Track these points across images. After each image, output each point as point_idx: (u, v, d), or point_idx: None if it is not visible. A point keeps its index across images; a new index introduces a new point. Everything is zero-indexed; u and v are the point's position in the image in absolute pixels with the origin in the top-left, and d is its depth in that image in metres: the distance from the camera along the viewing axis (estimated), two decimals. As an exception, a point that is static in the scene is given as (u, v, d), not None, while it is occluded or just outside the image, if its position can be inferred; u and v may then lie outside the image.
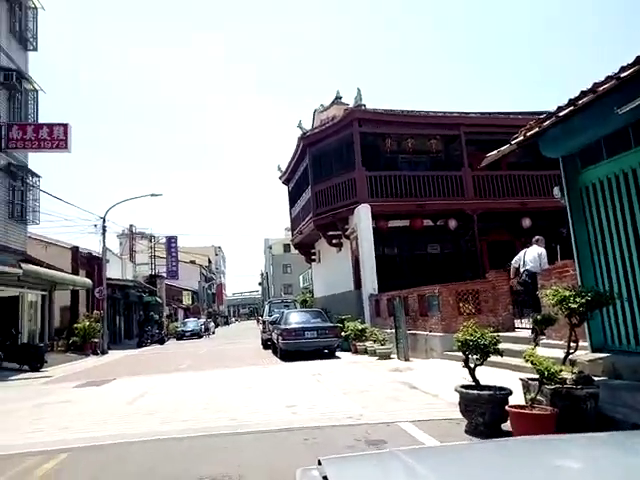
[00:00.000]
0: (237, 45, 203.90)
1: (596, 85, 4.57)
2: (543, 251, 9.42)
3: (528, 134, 5.82)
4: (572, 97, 4.91)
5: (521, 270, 9.22)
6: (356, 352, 14.14)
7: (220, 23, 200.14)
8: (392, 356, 12.21)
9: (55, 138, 15.78)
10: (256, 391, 8.23)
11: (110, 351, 21.81)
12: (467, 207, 17.09)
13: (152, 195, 25.73)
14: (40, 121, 16.95)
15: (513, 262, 9.65)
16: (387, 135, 17.64)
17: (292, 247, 71.95)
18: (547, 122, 5.45)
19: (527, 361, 5.01)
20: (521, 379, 5.33)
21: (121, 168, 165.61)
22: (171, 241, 43.94)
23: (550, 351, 6.39)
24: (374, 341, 13.29)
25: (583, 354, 6.10)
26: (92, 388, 10.19)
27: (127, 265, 33.75)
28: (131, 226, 37.41)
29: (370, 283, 15.76)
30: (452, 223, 17.39)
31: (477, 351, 5.39)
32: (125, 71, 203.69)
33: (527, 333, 9.15)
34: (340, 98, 19.62)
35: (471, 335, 5.43)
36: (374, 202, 16.40)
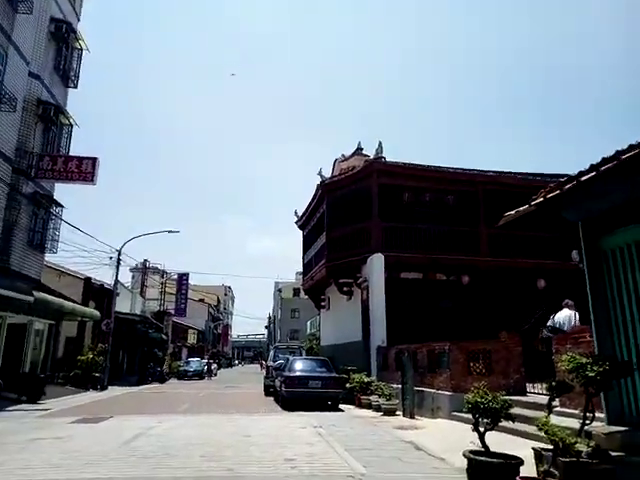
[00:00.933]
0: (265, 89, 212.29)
1: (619, 153, 4.60)
2: (574, 313, 9.21)
3: (548, 196, 5.81)
4: (594, 163, 4.94)
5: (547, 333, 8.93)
6: (360, 405, 13.70)
7: (252, 71, 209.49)
8: (397, 412, 11.80)
9: (83, 171, 16.25)
10: (255, 441, 7.93)
11: (110, 387, 21.44)
12: (481, 264, 16.95)
13: (169, 232, 26.10)
14: (71, 152, 17.58)
15: (546, 330, 9.30)
16: (405, 187, 17.83)
17: (302, 292, 71.71)
18: (568, 185, 5.46)
19: (541, 430, 4.79)
20: (534, 449, 5.08)
21: (143, 202, 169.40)
22: (182, 278, 44.04)
23: (564, 420, 6.11)
24: (379, 395, 12.89)
25: (600, 425, 5.80)
26: (88, 425, 9.93)
27: (137, 299, 33.76)
28: (145, 261, 37.69)
29: (379, 335, 15.47)
30: (465, 278, 17.21)
31: (488, 415, 5.19)
32: (157, 111, 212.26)
33: (539, 398, 8.80)
34: (361, 149, 20.06)
35: (482, 397, 5.25)
36: (388, 253, 16.37)
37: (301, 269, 24.78)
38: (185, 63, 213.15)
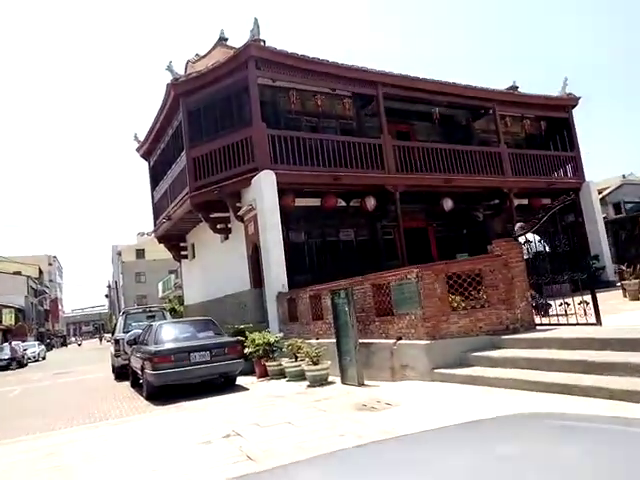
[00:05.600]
0: None
1: None
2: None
3: None
4: None
5: None
6: (264, 376, 9.74)
7: None
8: (330, 379, 8.13)
9: None
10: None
11: None
12: (389, 182, 13.84)
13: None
14: None
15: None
16: (290, 90, 13.57)
17: (146, 254, 63.80)
18: None
19: None
20: None
21: None
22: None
23: None
24: (295, 358, 9.06)
25: None
26: None
27: None
28: None
29: (277, 278, 11.42)
30: (371, 202, 13.98)
31: None
32: None
33: (558, 331, 5.89)
34: (225, 39, 15.06)
35: None
36: (278, 170, 12.18)
37: (142, 230, 19.21)
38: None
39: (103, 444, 5.79)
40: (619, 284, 14.78)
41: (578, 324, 6.03)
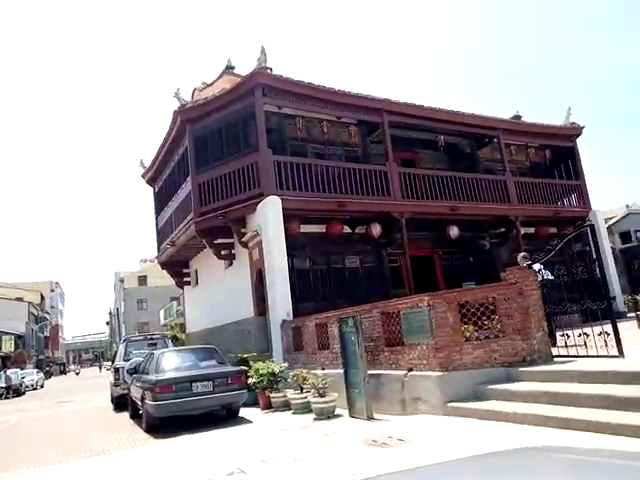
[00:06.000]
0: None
1: None
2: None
3: None
4: None
5: None
6: (268, 407, 9.39)
7: None
8: (337, 412, 7.80)
9: None
10: None
11: None
12: (394, 209, 13.73)
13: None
14: None
15: None
16: (296, 117, 13.63)
17: (148, 280, 63.41)
18: None
19: None
20: None
21: None
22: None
23: None
24: (300, 390, 8.74)
25: None
26: None
27: None
28: None
29: (282, 306, 11.18)
30: (376, 229, 13.84)
31: None
32: None
33: (577, 364, 5.63)
34: (232, 68, 15.27)
35: None
36: (284, 196, 12.10)
37: (145, 257, 19.10)
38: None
39: (112, 476, 5.48)
40: (630, 315, 14.45)
41: (599, 356, 5.77)
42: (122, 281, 65.50)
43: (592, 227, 6.60)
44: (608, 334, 5.79)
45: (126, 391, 11.14)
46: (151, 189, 18.77)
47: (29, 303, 55.51)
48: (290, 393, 8.95)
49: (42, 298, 64.14)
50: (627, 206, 32.26)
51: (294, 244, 12.64)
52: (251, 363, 9.95)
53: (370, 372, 7.41)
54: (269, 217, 11.67)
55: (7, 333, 45.09)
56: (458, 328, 6.43)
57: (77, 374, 51.21)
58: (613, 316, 5.98)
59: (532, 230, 16.97)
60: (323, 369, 9.06)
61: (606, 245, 17.00)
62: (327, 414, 7.71)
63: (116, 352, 14.73)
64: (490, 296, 6.47)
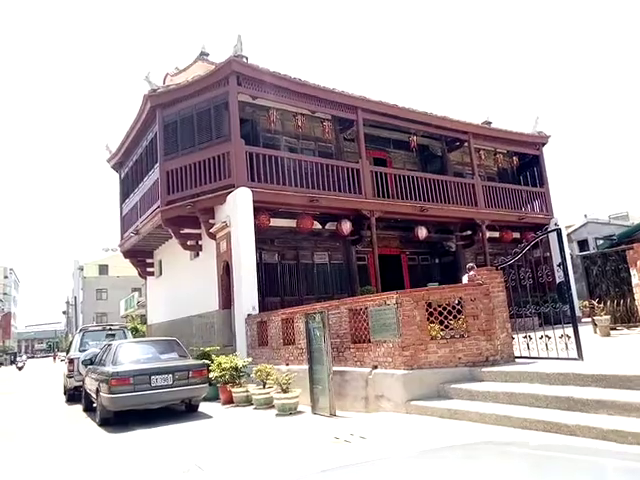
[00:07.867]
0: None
1: None
2: None
3: None
4: None
5: None
6: (230, 402, 9.21)
7: None
8: (301, 408, 7.71)
9: None
10: None
11: None
12: (365, 207, 13.74)
13: None
14: None
15: None
16: (271, 109, 13.41)
17: (110, 269, 61.56)
18: None
19: None
20: None
21: None
22: None
23: None
24: (263, 385, 8.61)
25: None
26: None
27: None
28: None
29: (248, 299, 10.99)
30: (347, 226, 13.81)
31: None
32: None
33: (538, 365, 5.74)
34: (206, 55, 14.91)
35: None
36: (255, 188, 11.89)
37: (108, 245, 18.48)
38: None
39: (54, 471, 5.20)
40: (584, 320, 14.97)
41: (559, 358, 5.89)
42: (81, 269, 63.44)
43: (559, 232, 6.70)
44: (569, 337, 5.91)
45: (80, 383, 10.72)
46: (117, 175, 18.15)
47: (-21, 289, 53.06)
48: (252, 388, 8.81)
49: (-6, 284, 61.40)
50: (585, 215, 33.50)
51: (263, 237, 12.49)
52: (214, 357, 9.74)
53: (335, 369, 7.36)
54: (239, 209, 11.45)
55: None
56: (425, 327, 6.45)
57: (20, 369, 35.12)
58: (574, 320, 6.10)
59: (497, 234, 17.34)
60: (287, 365, 8.95)
61: (567, 251, 17.53)
62: (289, 410, 7.60)
63: (71, 342, 14.18)
64: (457, 296, 6.51)
